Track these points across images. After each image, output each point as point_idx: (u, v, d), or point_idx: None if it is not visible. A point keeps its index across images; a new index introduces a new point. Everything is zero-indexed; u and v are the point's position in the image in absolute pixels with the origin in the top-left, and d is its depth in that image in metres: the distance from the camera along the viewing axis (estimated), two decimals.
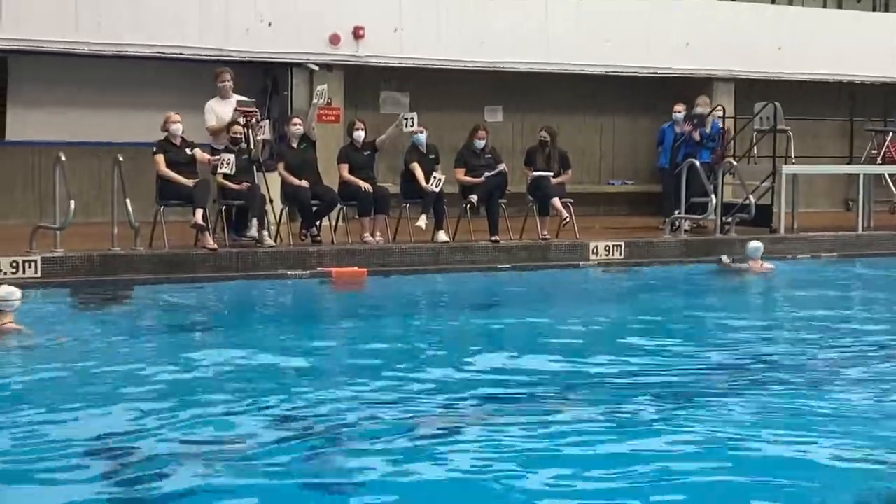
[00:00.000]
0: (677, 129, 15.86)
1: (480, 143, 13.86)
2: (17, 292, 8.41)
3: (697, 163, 14.60)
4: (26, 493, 5.10)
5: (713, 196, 14.54)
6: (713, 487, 5.15)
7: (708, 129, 15.70)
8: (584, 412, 6.44)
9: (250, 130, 12.73)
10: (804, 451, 5.66)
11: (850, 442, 5.82)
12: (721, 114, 16.24)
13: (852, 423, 6.21)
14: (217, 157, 12.35)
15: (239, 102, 12.84)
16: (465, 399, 6.80)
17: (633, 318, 10.16)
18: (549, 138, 14.28)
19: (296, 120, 13.41)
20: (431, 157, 13.71)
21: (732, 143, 16.37)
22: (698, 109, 15.83)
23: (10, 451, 5.63)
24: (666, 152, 16.11)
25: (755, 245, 13.41)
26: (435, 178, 13.25)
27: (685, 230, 14.97)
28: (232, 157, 12.24)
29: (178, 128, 12.44)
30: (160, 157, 12.29)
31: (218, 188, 12.45)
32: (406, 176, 13.71)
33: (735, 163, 15.64)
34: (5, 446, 5.69)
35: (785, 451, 5.67)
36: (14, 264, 10.97)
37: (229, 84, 13.00)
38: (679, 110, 15.89)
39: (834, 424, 6.20)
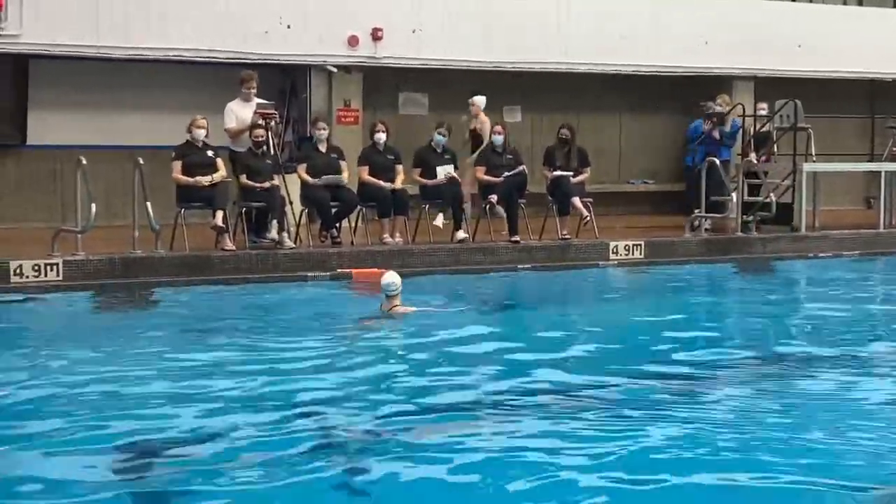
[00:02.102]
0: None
1: (499, 139, 13.85)
2: (398, 278, 9.48)
3: (717, 161, 14.57)
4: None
5: (733, 195, 14.49)
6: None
7: (728, 128, 15.62)
8: (601, 415, 6.44)
9: (270, 133, 12.77)
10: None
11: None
12: (741, 112, 16.19)
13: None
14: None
15: (259, 105, 12.87)
16: (486, 399, 6.79)
17: (647, 318, 10.12)
18: (570, 136, 14.27)
19: (321, 123, 13.43)
20: (447, 157, 13.71)
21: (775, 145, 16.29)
22: (718, 108, 15.77)
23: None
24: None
25: None
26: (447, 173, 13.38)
27: (706, 229, 14.91)
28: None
29: (201, 133, 12.49)
30: (177, 164, 12.36)
31: (238, 190, 12.52)
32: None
33: (756, 161, 15.60)
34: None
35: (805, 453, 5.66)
36: (36, 267, 11.04)
37: (255, 90, 13.05)
38: (720, 103, 15.70)
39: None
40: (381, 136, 13.42)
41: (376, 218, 13.34)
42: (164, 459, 5.60)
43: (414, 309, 9.59)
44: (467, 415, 6.44)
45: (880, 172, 16.16)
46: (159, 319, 9.86)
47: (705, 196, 14.55)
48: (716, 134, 15.40)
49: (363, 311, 9.83)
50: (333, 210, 12.94)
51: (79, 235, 11.55)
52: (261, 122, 12.62)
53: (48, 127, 15.25)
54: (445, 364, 7.79)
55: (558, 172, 13.99)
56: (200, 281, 11.49)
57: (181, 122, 12.84)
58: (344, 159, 13.28)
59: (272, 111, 12.97)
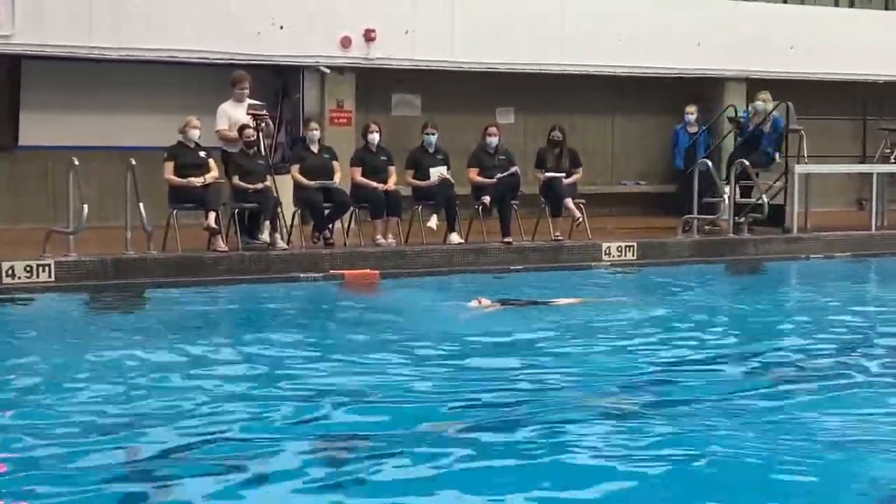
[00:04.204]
0: (690, 131, 15.78)
1: (493, 141, 13.88)
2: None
3: (709, 163, 14.57)
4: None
5: (725, 196, 14.51)
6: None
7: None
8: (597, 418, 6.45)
9: (262, 134, 12.77)
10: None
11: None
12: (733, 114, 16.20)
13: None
14: None
15: (251, 106, 12.86)
16: (478, 401, 6.81)
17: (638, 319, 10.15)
18: (561, 137, 14.29)
19: (313, 124, 13.43)
20: (440, 157, 13.73)
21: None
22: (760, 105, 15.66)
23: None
24: (680, 153, 16.05)
25: None
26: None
27: (700, 229, 14.87)
28: None
29: (195, 133, 12.51)
30: (169, 165, 12.37)
31: (230, 192, 12.51)
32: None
33: (747, 162, 15.59)
34: None
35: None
36: (28, 268, 11.02)
37: (248, 91, 13.06)
38: (691, 112, 15.79)
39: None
40: (374, 137, 13.44)
41: (369, 219, 13.33)
42: (158, 459, 5.60)
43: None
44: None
45: (872, 174, 16.20)
46: (151, 320, 9.85)
47: (698, 197, 14.55)
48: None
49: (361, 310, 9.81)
50: (326, 211, 12.94)
51: (71, 236, 11.54)
52: (251, 123, 12.62)
53: (40, 128, 15.21)
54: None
55: (550, 174, 14.02)
56: (193, 282, 11.49)
57: (174, 123, 12.85)
58: (337, 159, 13.28)
59: (263, 112, 12.96)
